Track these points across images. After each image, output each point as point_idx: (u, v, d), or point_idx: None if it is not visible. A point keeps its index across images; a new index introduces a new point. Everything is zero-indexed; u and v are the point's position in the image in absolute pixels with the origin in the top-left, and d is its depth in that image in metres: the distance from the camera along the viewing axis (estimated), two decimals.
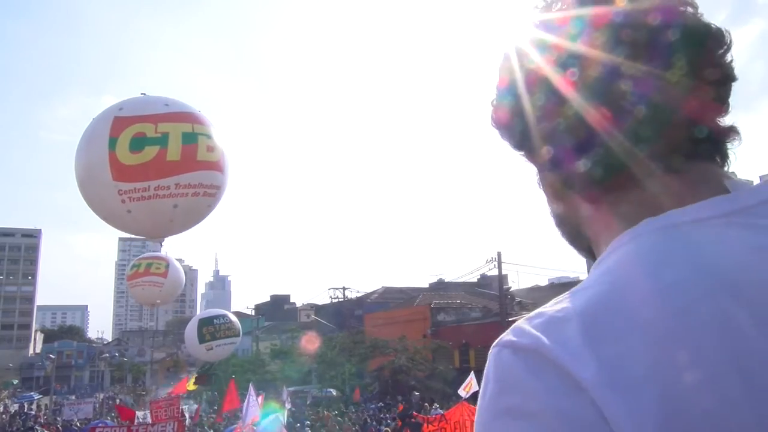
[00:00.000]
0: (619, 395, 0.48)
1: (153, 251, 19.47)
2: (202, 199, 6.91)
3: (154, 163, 6.59)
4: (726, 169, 0.66)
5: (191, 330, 20.35)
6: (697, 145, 0.62)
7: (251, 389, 11.22)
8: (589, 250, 0.72)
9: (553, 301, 0.58)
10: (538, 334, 0.54)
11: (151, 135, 6.60)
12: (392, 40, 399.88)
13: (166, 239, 7.53)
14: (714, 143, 0.64)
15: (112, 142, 6.58)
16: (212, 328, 19.91)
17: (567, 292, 0.58)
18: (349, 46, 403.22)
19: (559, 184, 0.69)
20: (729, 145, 0.66)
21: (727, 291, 0.51)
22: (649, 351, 0.49)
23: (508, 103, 0.70)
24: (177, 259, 18.94)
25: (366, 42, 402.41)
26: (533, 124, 0.66)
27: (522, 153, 0.72)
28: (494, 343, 0.58)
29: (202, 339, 19.57)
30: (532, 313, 0.58)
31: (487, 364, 0.58)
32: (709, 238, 0.55)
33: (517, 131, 0.69)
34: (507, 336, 0.57)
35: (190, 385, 18.23)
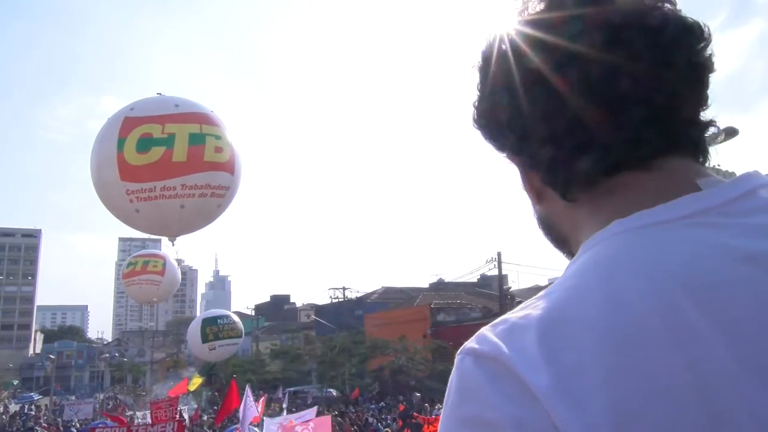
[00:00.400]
0: (571, 405, 0.48)
1: (153, 250, 19.39)
2: (210, 200, 6.95)
3: (160, 163, 6.67)
4: (706, 164, 0.64)
5: (194, 330, 20.34)
6: (673, 140, 0.61)
7: (248, 391, 11.22)
8: (570, 255, 0.70)
9: (522, 305, 0.58)
10: (498, 341, 0.54)
11: (157, 136, 6.68)
12: (392, 41, 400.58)
13: (178, 238, 7.58)
14: (690, 138, 0.63)
15: (120, 143, 6.70)
16: (215, 328, 19.87)
17: (537, 296, 0.58)
18: (350, 47, 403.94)
19: (540, 184, 0.68)
20: (709, 141, 0.64)
21: (686, 296, 0.50)
22: (601, 360, 0.49)
23: (489, 104, 0.69)
24: (177, 260, 18.83)
25: (366, 42, 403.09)
26: (514, 123, 0.65)
27: (504, 153, 0.72)
28: (459, 350, 0.57)
29: (205, 339, 19.55)
30: (498, 319, 0.57)
31: (452, 372, 0.57)
32: (674, 241, 0.54)
33: (498, 131, 0.69)
34: (470, 343, 0.56)
35: (192, 386, 18.17)
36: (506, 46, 0.66)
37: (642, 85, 0.58)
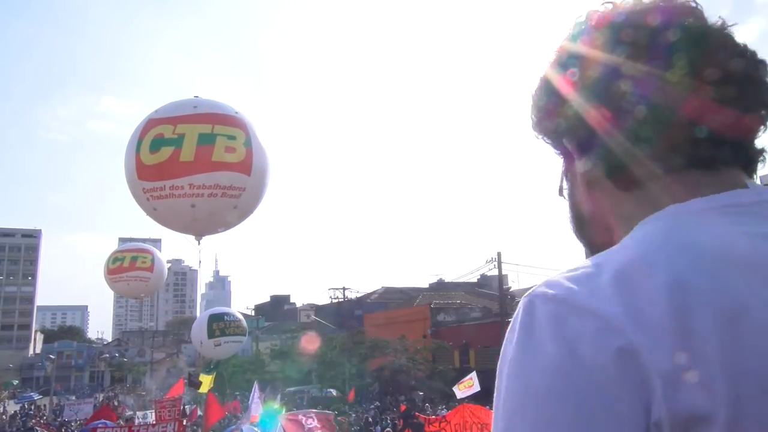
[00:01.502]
0: (644, 330, 0.55)
1: (138, 244, 18.86)
2: (222, 200, 6.97)
3: (168, 163, 6.79)
4: (752, 179, 0.72)
5: (200, 325, 20.32)
6: (732, 153, 0.69)
7: (256, 387, 11.22)
8: (599, 247, 0.75)
9: (588, 259, 0.64)
10: (571, 285, 0.60)
11: (168, 136, 6.79)
12: (391, 42, 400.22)
13: (203, 237, 7.65)
14: (747, 155, 0.71)
15: (139, 144, 6.89)
16: (222, 324, 19.85)
17: (598, 255, 0.65)
18: (349, 48, 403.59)
19: (598, 174, 0.73)
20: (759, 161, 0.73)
21: (743, 269, 0.57)
22: (668, 296, 0.56)
23: (556, 97, 0.74)
24: (176, 260, 18.76)
25: (365, 43, 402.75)
26: (582, 115, 0.70)
27: (560, 143, 0.76)
28: (526, 293, 0.63)
29: (211, 334, 19.50)
30: (565, 270, 0.63)
31: (516, 313, 0.62)
32: (717, 223, 0.63)
33: (562, 123, 0.73)
34: (540, 287, 0.62)
35: (205, 387, 17.79)
36: (576, 44, 0.73)
37: (719, 102, 0.66)
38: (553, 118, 0.75)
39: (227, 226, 7.44)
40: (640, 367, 0.54)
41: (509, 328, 0.62)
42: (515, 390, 0.59)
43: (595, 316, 0.57)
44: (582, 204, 0.79)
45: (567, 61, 0.73)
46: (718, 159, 0.68)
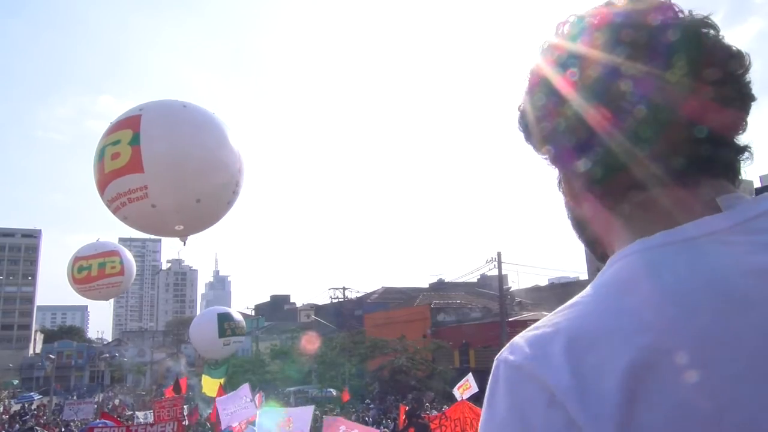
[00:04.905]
0: (586, 411, 0.54)
1: (105, 243, 17.72)
2: (137, 204, 6.90)
3: (98, 174, 6.94)
4: (735, 184, 0.69)
5: (207, 324, 20.19)
6: (705, 162, 0.66)
7: (246, 389, 11.14)
8: (603, 256, 0.75)
9: (554, 311, 0.64)
10: (528, 350, 0.61)
11: (99, 147, 6.97)
12: (391, 42, 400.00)
13: (188, 237, 7.58)
14: (723, 160, 0.68)
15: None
16: (233, 324, 19.84)
17: (569, 302, 0.64)
18: (348, 47, 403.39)
19: (580, 188, 0.73)
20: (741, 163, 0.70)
21: (706, 304, 0.55)
22: (616, 390, 0.54)
23: (537, 106, 0.72)
24: (176, 260, 18.54)
25: (364, 43, 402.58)
26: (561, 126, 0.69)
27: (545, 156, 0.75)
28: (498, 355, 0.65)
29: (222, 333, 19.44)
30: (533, 325, 0.64)
31: (490, 376, 0.64)
32: (695, 256, 0.60)
33: (544, 134, 0.72)
34: (505, 351, 0.64)
35: (212, 391, 17.41)
36: (558, 52, 0.71)
37: (682, 108, 0.64)
38: (537, 129, 0.74)
39: (186, 223, 7.30)
40: None
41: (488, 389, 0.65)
42: None
43: (542, 386, 0.58)
44: (575, 216, 0.79)
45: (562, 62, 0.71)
46: (698, 169, 0.66)
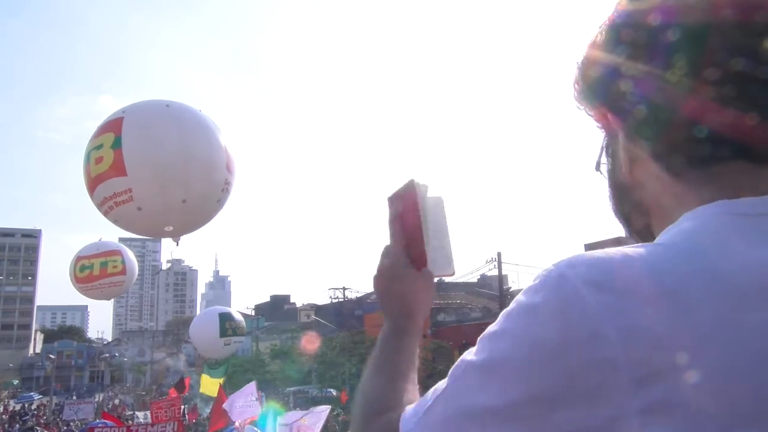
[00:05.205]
0: (630, 343, 0.53)
1: (107, 243, 17.80)
2: (124, 207, 6.95)
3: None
4: None
5: (209, 324, 20.21)
6: None
7: (253, 387, 11.12)
8: (643, 228, 0.74)
9: (628, 246, 0.62)
10: (583, 269, 0.58)
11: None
12: (390, 40, 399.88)
13: (181, 237, 7.57)
14: None
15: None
16: (234, 324, 19.86)
17: (633, 245, 0.62)
18: (348, 46, 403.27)
19: (644, 154, 0.70)
20: None
21: None
22: (671, 318, 0.53)
23: (611, 67, 0.69)
24: (176, 260, 18.50)
25: (364, 42, 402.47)
26: (638, 89, 0.67)
27: (605, 116, 0.73)
28: (553, 264, 0.61)
29: (224, 333, 19.44)
30: (590, 253, 0.60)
31: (537, 279, 0.61)
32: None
33: (614, 96, 0.70)
34: (563, 262, 0.60)
35: (211, 391, 17.34)
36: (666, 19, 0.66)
37: None
38: (604, 88, 0.71)
39: (175, 224, 7.31)
40: (619, 372, 0.53)
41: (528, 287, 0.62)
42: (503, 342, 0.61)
43: (587, 312, 0.55)
44: (622, 182, 0.75)
45: (631, 30, 0.68)
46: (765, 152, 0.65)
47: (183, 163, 6.81)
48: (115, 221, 6.94)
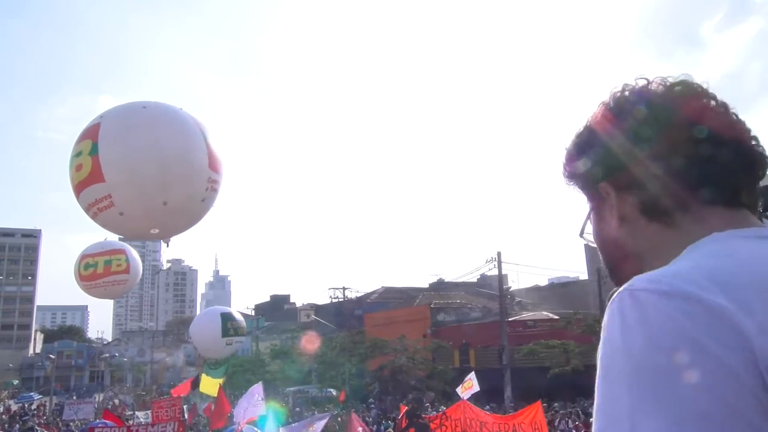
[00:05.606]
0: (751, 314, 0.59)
1: (112, 242, 17.81)
2: (107, 213, 6.98)
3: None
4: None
5: (210, 323, 20.21)
6: (751, 197, 0.79)
7: (259, 388, 11.13)
8: (629, 275, 0.77)
9: (668, 265, 0.69)
10: (681, 282, 0.62)
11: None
12: (391, 41, 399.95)
13: (170, 239, 7.57)
14: (759, 198, 0.81)
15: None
16: (235, 324, 19.95)
17: (666, 266, 0.68)
18: (349, 47, 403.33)
19: (630, 209, 0.81)
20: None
21: None
22: None
23: (601, 145, 0.82)
24: (176, 260, 18.49)
25: (365, 42, 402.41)
26: (628, 160, 0.79)
27: (593, 187, 0.84)
28: (615, 292, 0.66)
29: (225, 333, 19.53)
30: (647, 273, 0.67)
31: (612, 311, 0.64)
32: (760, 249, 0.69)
33: (604, 169, 0.82)
34: (634, 284, 0.64)
35: (212, 391, 17.33)
36: (650, 97, 0.80)
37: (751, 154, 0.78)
38: (594, 164, 0.83)
39: (160, 226, 7.32)
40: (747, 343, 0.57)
41: (609, 325, 0.63)
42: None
43: (728, 322, 0.59)
44: (613, 237, 0.84)
45: (623, 110, 0.81)
46: (741, 198, 0.77)
47: (159, 165, 6.75)
48: (104, 225, 6.98)
